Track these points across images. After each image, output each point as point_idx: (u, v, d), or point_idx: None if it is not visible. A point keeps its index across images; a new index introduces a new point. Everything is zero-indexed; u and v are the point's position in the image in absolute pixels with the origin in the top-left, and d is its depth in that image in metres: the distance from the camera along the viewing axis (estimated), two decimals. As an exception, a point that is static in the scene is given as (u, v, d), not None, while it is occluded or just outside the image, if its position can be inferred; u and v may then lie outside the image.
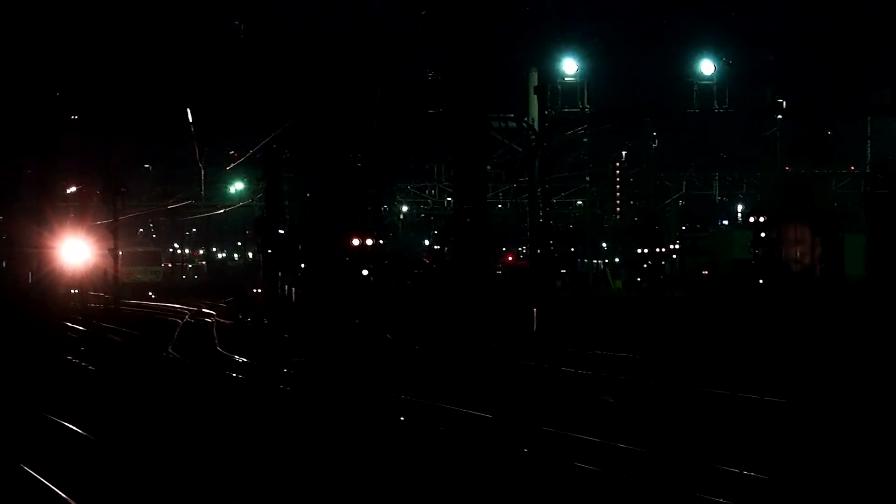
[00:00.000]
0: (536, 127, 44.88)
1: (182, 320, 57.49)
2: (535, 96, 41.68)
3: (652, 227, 76.14)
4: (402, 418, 21.81)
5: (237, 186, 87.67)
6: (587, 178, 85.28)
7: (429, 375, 29.08)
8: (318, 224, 60.98)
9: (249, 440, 19.80)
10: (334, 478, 16.60)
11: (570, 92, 56.30)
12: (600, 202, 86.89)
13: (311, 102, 54.05)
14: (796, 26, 58.70)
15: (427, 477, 16.57)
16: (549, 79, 52.82)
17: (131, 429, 21.11)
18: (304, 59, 53.80)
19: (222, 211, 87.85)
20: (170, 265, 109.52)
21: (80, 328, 51.15)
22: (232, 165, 68.69)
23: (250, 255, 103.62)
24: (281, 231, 63.51)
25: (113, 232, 60.25)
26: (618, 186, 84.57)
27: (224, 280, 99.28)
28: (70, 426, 20.88)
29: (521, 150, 53.08)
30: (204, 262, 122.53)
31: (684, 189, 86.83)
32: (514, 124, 51.52)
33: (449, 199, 76.00)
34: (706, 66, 55.85)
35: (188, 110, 53.21)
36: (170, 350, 38.96)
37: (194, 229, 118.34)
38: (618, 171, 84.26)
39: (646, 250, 73.63)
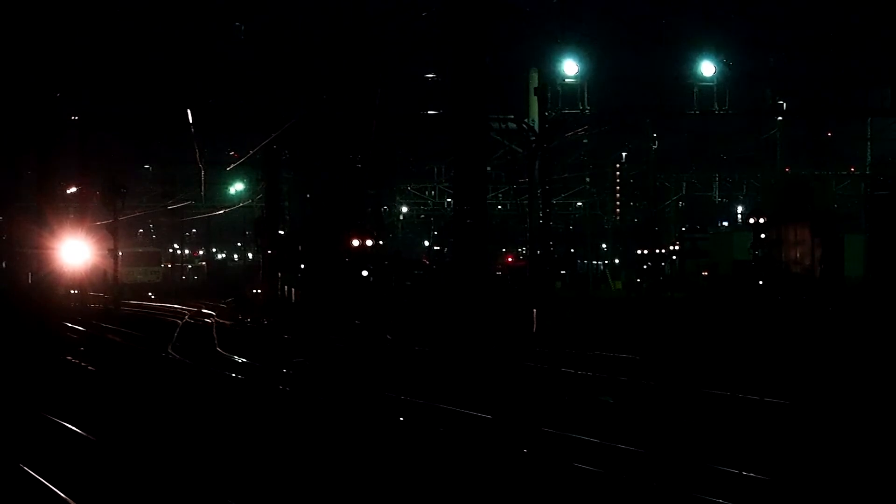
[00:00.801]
0: (536, 128, 44.85)
1: (182, 321, 57.45)
2: (536, 97, 41.67)
3: (652, 229, 76.03)
4: (401, 419, 21.81)
5: (237, 187, 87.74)
6: (587, 179, 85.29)
7: (428, 376, 29.07)
8: (318, 224, 61.02)
9: (249, 440, 19.80)
10: (334, 478, 16.60)
11: (571, 93, 56.41)
12: (600, 203, 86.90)
13: (311, 103, 54.03)
14: (796, 26, 58.74)
15: (427, 477, 16.57)
16: (550, 80, 52.97)
17: (131, 429, 21.10)
18: (304, 60, 53.78)
19: (222, 211, 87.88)
20: (169, 266, 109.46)
21: (80, 328, 51.11)
22: (232, 165, 68.75)
23: (250, 255, 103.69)
24: (281, 231, 63.54)
25: (113, 232, 60.21)
26: (618, 187, 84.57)
27: (224, 280, 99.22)
28: (70, 426, 20.87)
29: (521, 151, 53.02)
30: (204, 263, 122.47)
31: (684, 190, 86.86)
32: (515, 125, 51.47)
33: (449, 199, 76.00)
34: (706, 68, 55.90)
35: (188, 110, 53.24)
36: (169, 350, 38.94)
37: (194, 230, 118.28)
38: (618, 172, 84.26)
39: (645, 251, 73.52)
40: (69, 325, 52.66)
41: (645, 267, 73.62)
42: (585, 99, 56.28)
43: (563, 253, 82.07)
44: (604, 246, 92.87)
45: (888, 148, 71.80)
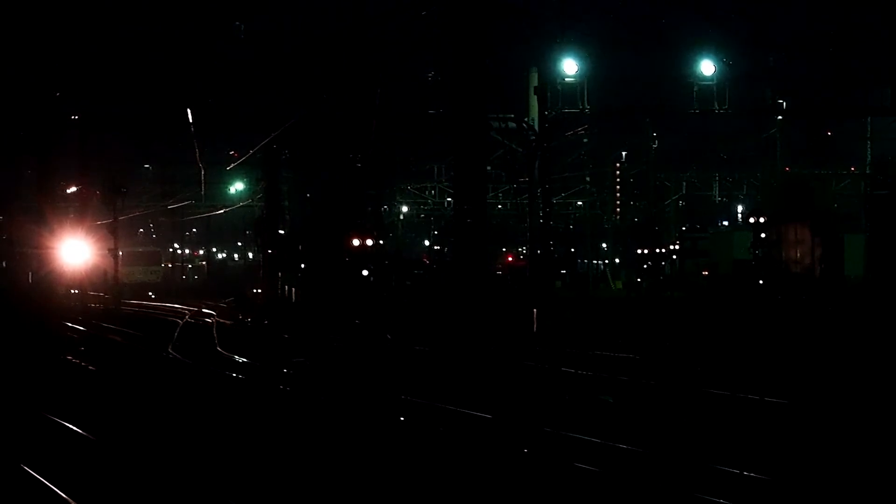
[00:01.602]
0: (536, 127, 44.89)
1: (182, 320, 57.43)
2: (535, 97, 41.70)
3: (652, 228, 76.15)
4: (401, 418, 21.81)
5: (237, 186, 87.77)
6: (587, 179, 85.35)
7: (429, 376, 29.07)
8: (318, 224, 61.00)
9: (249, 440, 19.80)
10: (334, 478, 16.61)
11: (570, 92, 56.35)
12: (600, 202, 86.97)
13: (311, 102, 54.01)
14: (796, 26, 58.73)
15: (427, 477, 16.57)
16: (550, 79, 52.92)
17: (131, 429, 21.11)
18: (304, 60, 53.76)
19: (222, 211, 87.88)
20: (170, 265, 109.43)
21: (80, 328, 51.14)
22: (232, 165, 68.72)
23: (250, 255, 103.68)
24: (281, 231, 63.54)
25: (113, 232, 60.28)
26: (618, 187, 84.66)
27: (224, 280, 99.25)
28: (70, 426, 20.88)
29: (521, 150, 53.02)
30: (204, 263, 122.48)
31: (684, 189, 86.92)
32: (514, 125, 51.46)
33: (449, 199, 76.03)
34: (706, 67, 55.88)
35: (188, 110, 53.22)
36: (170, 350, 38.95)
37: (194, 229, 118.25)
38: (618, 172, 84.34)
39: (646, 251, 73.61)
40: (69, 324, 52.68)
41: (645, 266, 73.71)
42: (585, 98, 56.23)
43: (563, 253, 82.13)
44: (604, 245, 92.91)
45: (888, 147, 71.79)
